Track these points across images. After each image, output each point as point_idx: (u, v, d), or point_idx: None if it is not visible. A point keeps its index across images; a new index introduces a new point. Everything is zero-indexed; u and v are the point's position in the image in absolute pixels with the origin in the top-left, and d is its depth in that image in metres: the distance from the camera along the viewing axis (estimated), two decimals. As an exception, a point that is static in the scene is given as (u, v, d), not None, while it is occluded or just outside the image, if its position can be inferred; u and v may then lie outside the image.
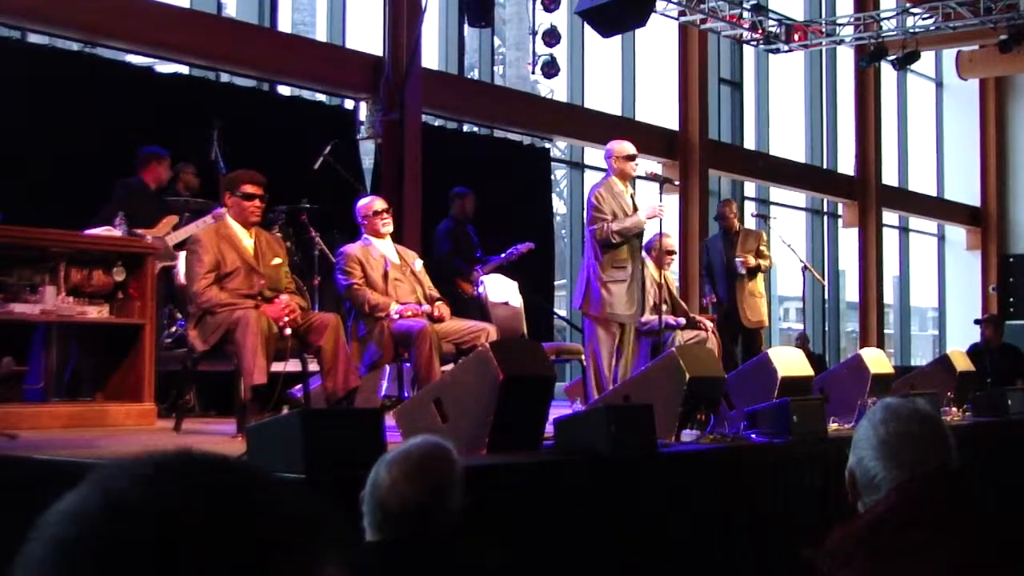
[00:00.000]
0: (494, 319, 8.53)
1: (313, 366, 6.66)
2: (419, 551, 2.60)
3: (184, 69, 10.91)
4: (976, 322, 13.47)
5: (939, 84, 22.33)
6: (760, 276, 10.55)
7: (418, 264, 7.36)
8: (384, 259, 7.12)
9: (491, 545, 2.87)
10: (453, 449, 2.84)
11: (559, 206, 17.48)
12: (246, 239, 6.43)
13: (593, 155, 14.93)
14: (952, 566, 2.17)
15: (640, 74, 15.99)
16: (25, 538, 0.87)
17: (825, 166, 19.35)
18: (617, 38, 13.92)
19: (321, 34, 12.91)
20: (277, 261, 6.53)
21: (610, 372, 7.80)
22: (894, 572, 2.20)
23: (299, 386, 7.05)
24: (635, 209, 8.02)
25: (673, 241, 8.93)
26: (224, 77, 11.12)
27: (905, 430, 2.42)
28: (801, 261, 11.04)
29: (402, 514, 2.61)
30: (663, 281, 8.64)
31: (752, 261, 10.37)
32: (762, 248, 10.53)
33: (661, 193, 8.43)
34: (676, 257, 8.98)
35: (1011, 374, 11.15)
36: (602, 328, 7.89)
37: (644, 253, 8.41)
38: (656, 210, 8.13)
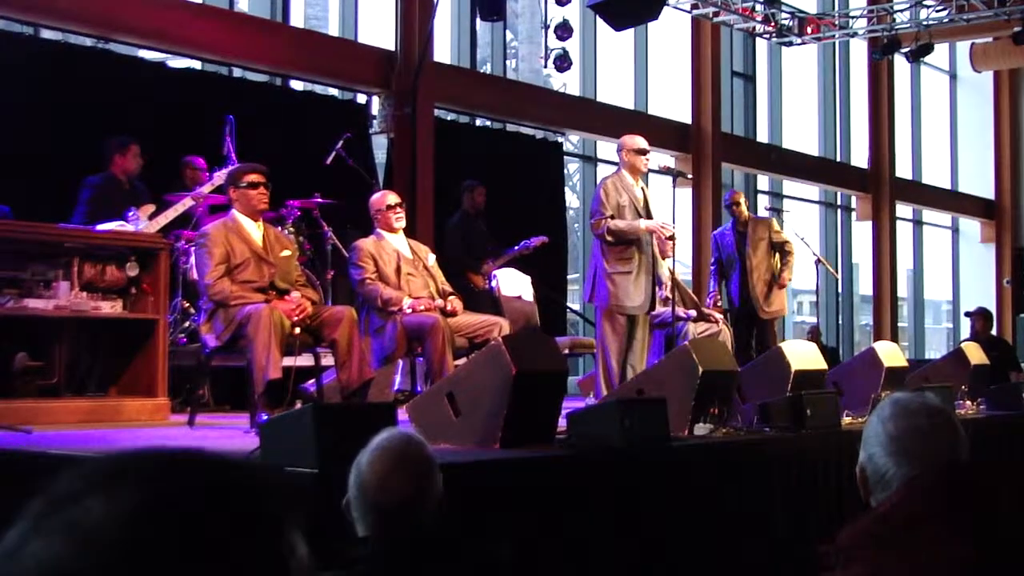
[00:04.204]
0: (507, 313, 8.53)
1: (326, 360, 6.67)
2: (425, 548, 2.60)
3: (196, 64, 10.94)
4: (967, 314, 13.48)
5: (953, 76, 22.26)
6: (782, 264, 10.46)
7: (431, 258, 7.36)
8: (397, 253, 7.13)
9: (501, 540, 2.87)
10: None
11: (572, 200, 17.48)
12: (254, 231, 6.45)
13: (606, 149, 14.92)
14: (961, 562, 2.16)
15: (653, 67, 15.97)
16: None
17: (838, 159, 19.31)
18: (629, 31, 13.90)
19: (333, 29, 12.92)
20: (286, 253, 6.57)
21: (618, 365, 7.78)
22: (903, 568, 2.20)
23: (312, 381, 7.06)
24: (646, 204, 7.98)
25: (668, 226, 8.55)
26: (236, 72, 11.15)
27: (915, 425, 2.39)
28: (814, 254, 11.02)
29: (397, 507, 2.61)
30: (669, 272, 8.59)
31: (788, 277, 10.33)
32: (775, 235, 10.40)
33: (674, 187, 8.39)
34: (675, 243, 8.60)
35: (1001, 367, 11.10)
36: (609, 321, 7.87)
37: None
38: (660, 231, 7.95)
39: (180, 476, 0.90)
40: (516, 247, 10.00)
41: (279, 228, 7.49)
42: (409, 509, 2.62)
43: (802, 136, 18.83)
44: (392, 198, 7.35)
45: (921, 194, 21.06)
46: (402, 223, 7.28)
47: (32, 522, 0.89)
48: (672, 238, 8.30)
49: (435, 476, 2.70)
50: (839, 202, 19.65)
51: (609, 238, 7.81)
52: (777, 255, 10.41)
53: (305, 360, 6.68)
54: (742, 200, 10.69)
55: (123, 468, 0.90)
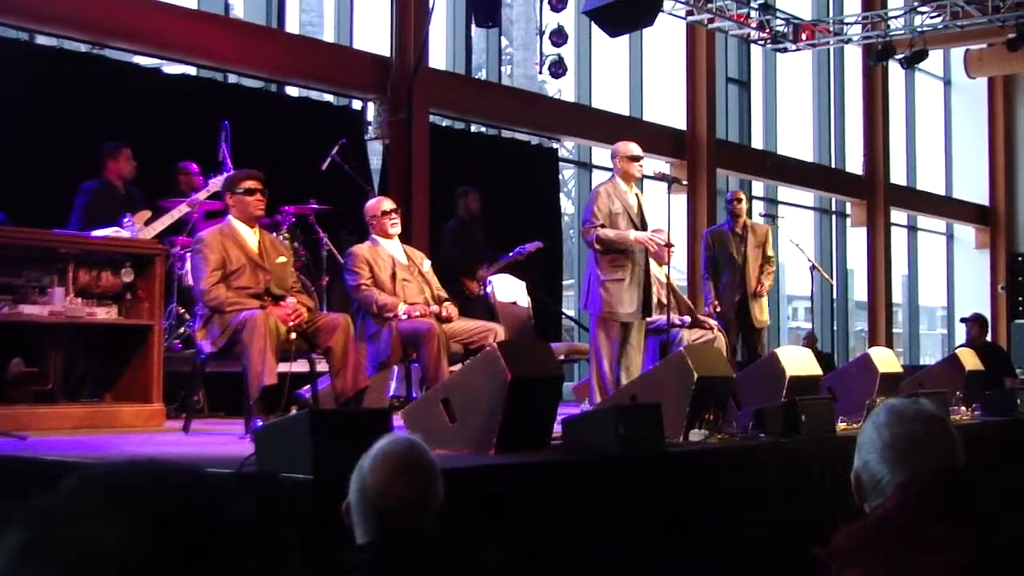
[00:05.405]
0: (502, 319, 8.52)
1: (321, 366, 6.67)
2: (424, 553, 2.60)
3: (192, 70, 10.93)
4: (962, 320, 13.52)
5: (947, 83, 22.30)
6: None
7: (426, 264, 7.36)
8: (392, 259, 7.13)
9: (495, 545, 2.87)
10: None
11: (567, 206, 17.47)
12: (250, 237, 6.46)
13: (601, 155, 14.93)
14: (956, 566, 2.16)
15: (648, 74, 15.98)
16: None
17: (833, 165, 19.33)
18: (624, 38, 13.92)
19: (328, 35, 12.93)
20: (282, 259, 6.57)
21: (611, 372, 7.77)
22: (899, 572, 2.20)
23: (307, 387, 7.06)
24: (640, 211, 7.98)
25: (664, 235, 8.46)
26: (232, 78, 11.14)
27: (910, 432, 2.39)
28: (809, 260, 11.00)
29: (398, 513, 2.61)
30: (665, 279, 8.56)
31: (766, 285, 10.22)
32: (767, 250, 10.32)
33: (669, 193, 8.38)
34: (673, 250, 8.51)
35: (997, 373, 11.09)
36: (602, 328, 7.87)
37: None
38: (650, 242, 7.89)
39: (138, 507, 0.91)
40: (511, 253, 9.99)
41: (274, 234, 7.49)
42: (410, 514, 2.61)
43: (797, 142, 18.86)
44: (387, 204, 7.36)
45: (916, 200, 21.08)
46: (397, 229, 7.29)
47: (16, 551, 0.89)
48: (670, 246, 8.27)
49: (437, 482, 2.70)
50: (834, 208, 19.67)
51: (598, 246, 7.83)
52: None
53: (300, 366, 6.68)
54: (743, 198, 10.64)
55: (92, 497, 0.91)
